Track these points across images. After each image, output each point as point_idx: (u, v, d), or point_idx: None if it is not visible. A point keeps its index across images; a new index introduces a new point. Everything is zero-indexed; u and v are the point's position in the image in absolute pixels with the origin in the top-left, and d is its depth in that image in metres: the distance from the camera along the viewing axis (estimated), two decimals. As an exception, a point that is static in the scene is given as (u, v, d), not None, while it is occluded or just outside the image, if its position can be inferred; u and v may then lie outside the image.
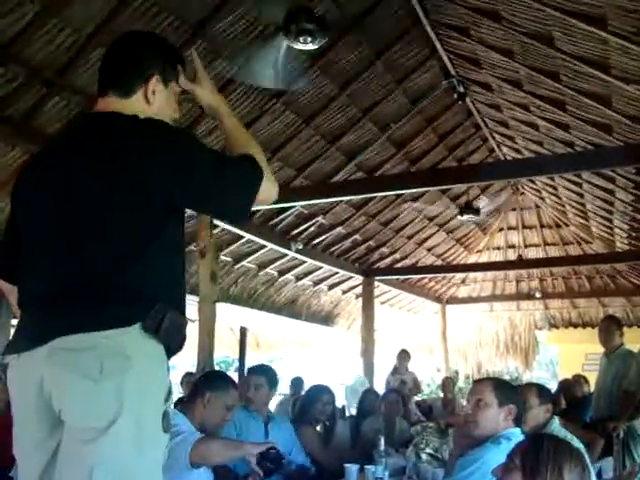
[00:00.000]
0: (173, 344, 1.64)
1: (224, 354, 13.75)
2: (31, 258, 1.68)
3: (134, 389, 1.51)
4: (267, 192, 1.75)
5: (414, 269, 10.91)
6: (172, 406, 1.63)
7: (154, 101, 1.77)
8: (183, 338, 1.68)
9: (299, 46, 4.04)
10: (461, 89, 7.19)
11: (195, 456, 2.70)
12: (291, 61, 4.43)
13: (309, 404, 4.33)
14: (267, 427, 3.80)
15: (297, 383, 8.00)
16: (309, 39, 3.96)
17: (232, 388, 3.20)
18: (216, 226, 7.03)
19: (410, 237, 10.44)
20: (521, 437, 2.52)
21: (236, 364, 12.66)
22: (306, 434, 4.14)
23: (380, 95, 7.02)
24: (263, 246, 8.39)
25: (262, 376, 3.83)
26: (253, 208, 1.76)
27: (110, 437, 1.46)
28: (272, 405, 7.66)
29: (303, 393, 5.80)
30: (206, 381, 3.27)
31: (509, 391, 2.79)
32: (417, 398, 7.88)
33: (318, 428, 4.62)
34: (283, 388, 9.52)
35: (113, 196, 1.58)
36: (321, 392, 4.46)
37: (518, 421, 2.75)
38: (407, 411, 6.19)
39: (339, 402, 6.69)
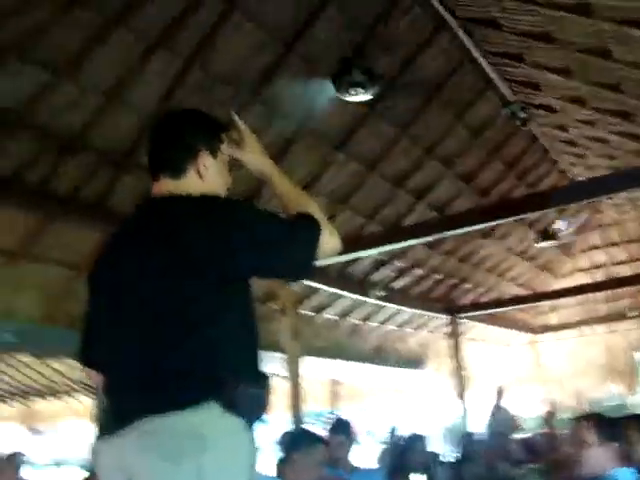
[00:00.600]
0: (252, 416, 1.63)
1: (317, 408, 13.62)
2: (106, 343, 1.72)
3: (214, 468, 1.50)
4: (329, 245, 1.74)
5: (499, 302, 10.60)
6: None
7: (207, 175, 1.79)
8: (262, 408, 1.67)
9: (350, 98, 4.08)
10: (523, 115, 7.05)
11: None
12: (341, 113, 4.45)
13: (403, 454, 4.20)
14: None
15: (394, 433, 7.80)
16: (361, 90, 3.99)
17: (318, 444, 3.15)
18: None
19: (491, 270, 10.21)
20: (631, 477, 2.35)
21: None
22: (404, 486, 4.02)
23: (441, 132, 6.99)
24: (342, 296, 8.36)
25: (340, 434, 3.75)
26: (321, 262, 1.75)
27: None
28: (372, 455, 7.52)
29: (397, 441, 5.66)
30: (290, 442, 3.23)
31: (610, 428, 2.62)
32: (518, 436, 7.55)
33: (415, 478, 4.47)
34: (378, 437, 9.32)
35: (171, 278, 1.60)
36: (415, 441, 4.34)
37: (628, 459, 2.57)
38: (508, 452, 5.93)
39: (437, 447, 6.51)
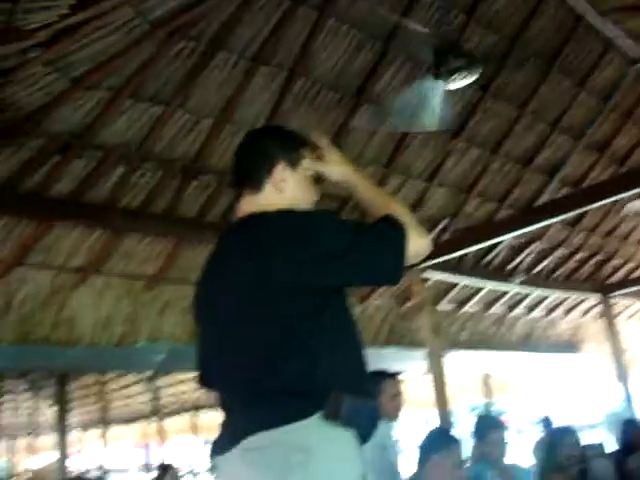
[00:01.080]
0: (359, 428, 1.60)
1: (470, 402, 13.35)
2: (214, 364, 1.76)
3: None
4: (418, 245, 1.67)
5: (655, 275, 9.82)
6: None
7: (285, 189, 1.79)
8: (370, 420, 1.65)
9: (454, 85, 3.96)
10: (655, 70, 6.53)
11: None
12: (445, 101, 4.34)
13: (552, 450, 3.97)
14: None
15: (547, 424, 7.44)
16: (464, 74, 3.86)
17: (455, 445, 3.06)
18: (427, 279, 6.98)
19: (640, 242, 9.49)
20: None
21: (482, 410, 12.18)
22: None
23: (565, 103, 6.61)
24: (483, 286, 8.12)
25: (493, 431, 3.60)
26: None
27: None
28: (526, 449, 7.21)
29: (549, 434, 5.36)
30: (428, 443, 3.16)
31: None
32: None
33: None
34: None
35: (263, 297, 1.60)
36: (564, 435, 4.07)
37: None
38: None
39: (594, 438, 6.13)
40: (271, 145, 1.83)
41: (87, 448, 16.06)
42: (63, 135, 4.12)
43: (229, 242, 1.78)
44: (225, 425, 1.71)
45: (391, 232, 1.66)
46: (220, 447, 1.68)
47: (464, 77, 3.90)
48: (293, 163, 1.81)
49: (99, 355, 5.84)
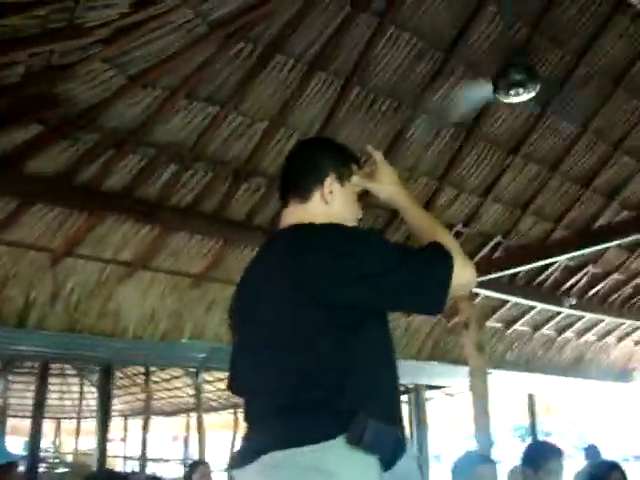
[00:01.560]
0: (382, 455, 1.52)
1: (514, 421, 13.06)
2: (242, 373, 1.73)
3: None
4: (461, 277, 1.61)
5: None
6: None
7: (332, 202, 1.75)
8: (395, 447, 1.56)
9: (512, 100, 3.85)
10: None
11: None
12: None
13: (597, 483, 3.80)
14: None
15: (592, 453, 7.18)
16: (521, 91, 3.75)
17: (490, 465, 2.97)
18: (477, 295, 6.85)
19: None
20: None
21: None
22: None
23: (630, 123, 6.38)
24: (534, 307, 7.92)
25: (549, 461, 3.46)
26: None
27: None
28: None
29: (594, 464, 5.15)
30: (462, 463, 3.06)
31: None
32: None
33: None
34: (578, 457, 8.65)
35: (294, 310, 1.57)
36: (611, 469, 3.90)
37: None
38: None
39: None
40: (323, 156, 1.79)
41: (128, 436, 16.36)
42: (118, 131, 4.18)
43: (272, 251, 1.74)
44: (247, 438, 1.68)
45: (438, 260, 1.60)
46: (239, 460, 1.64)
47: (523, 92, 3.79)
48: (342, 177, 1.78)
49: (143, 348, 5.92)
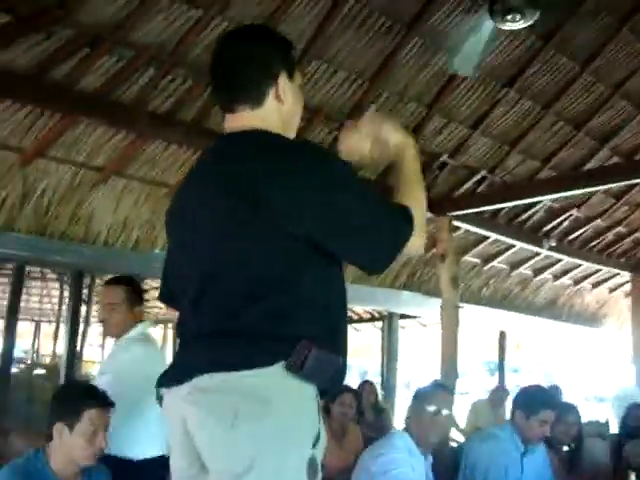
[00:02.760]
0: (322, 383, 1.48)
1: (485, 357, 13.33)
2: (178, 288, 1.65)
3: (274, 435, 1.38)
4: (411, 248, 1.52)
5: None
6: (320, 452, 1.46)
7: (286, 100, 1.60)
8: (335, 376, 1.51)
9: (509, 26, 3.66)
10: None
11: None
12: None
13: (553, 426, 3.80)
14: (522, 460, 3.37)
15: (554, 393, 7.32)
16: (518, 17, 3.56)
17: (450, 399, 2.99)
18: (457, 228, 6.80)
19: (686, 225, 9.09)
20: None
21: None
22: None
23: (631, 67, 6.19)
24: (513, 245, 7.91)
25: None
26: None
27: None
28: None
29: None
30: (421, 395, 3.06)
31: None
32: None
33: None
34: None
35: (245, 229, 1.47)
36: (566, 412, 3.93)
37: None
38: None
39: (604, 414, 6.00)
40: (270, 51, 1.61)
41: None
42: (94, 28, 3.97)
43: (218, 160, 1.59)
44: (179, 356, 1.61)
45: (402, 223, 1.51)
46: (168, 379, 1.58)
47: (520, 19, 3.59)
48: (291, 70, 1.63)
49: (115, 256, 5.85)
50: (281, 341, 1.43)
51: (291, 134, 1.63)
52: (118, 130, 4.63)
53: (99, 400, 2.34)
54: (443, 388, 3.21)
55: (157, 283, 8.27)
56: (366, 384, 6.26)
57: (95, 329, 14.85)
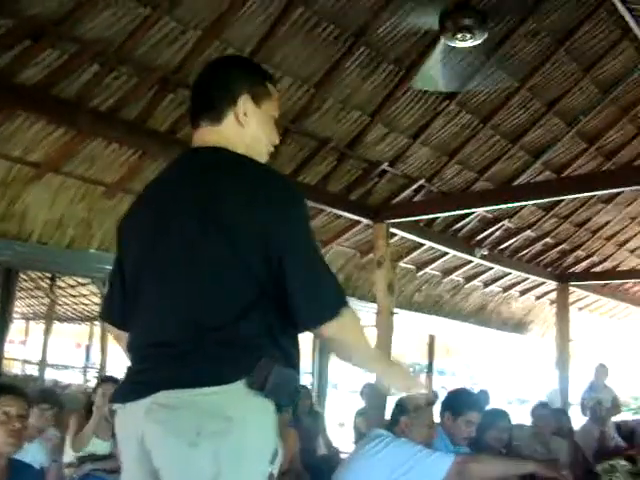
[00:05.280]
0: (282, 400, 1.50)
1: (414, 360, 13.60)
2: (135, 304, 1.61)
3: (234, 453, 1.39)
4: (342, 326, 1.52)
5: (615, 273, 9.90)
6: (276, 468, 1.48)
7: (247, 124, 1.65)
8: (293, 393, 1.53)
9: (458, 44, 3.75)
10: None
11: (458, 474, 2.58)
12: (455, 61, 4.13)
13: (483, 430, 3.94)
14: None
15: (483, 398, 7.54)
16: (468, 36, 3.65)
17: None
18: (394, 235, 6.90)
19: (609, 238, 9.52)
20: None
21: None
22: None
23: (566, 86, 6.46)
24: (446, 252, 8.09)
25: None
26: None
27: None
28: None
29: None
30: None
31: None
32: (617, 419, 7.05)
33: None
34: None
35: (209, 250, 1.48)
36: (498, 418, 4.06)
37: None
38: (603, 435, 5.57)
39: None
40: (236, 75, 1.69)
41: (29, 340, 16.03)
42: (37, 19, 3.83)
43: (181, 174, 1.63)
44: (135, 371, 1.58)
45: (339, 292, 1.55)
46: (124, 394, 1.55)
47: (470, 38, 3.69)
48: (258, 97, 1.68)
49: (48, 254, 5.68)
50: (242, 358, 1.44)
51: (259, 159, 1.65)
52: (58, 126, 4.48)
53: (10, 389, 2.51)
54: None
55: (89, 279, 8.04)
56: (301, 391, 6.27)
57: (17, 325, 14.38)
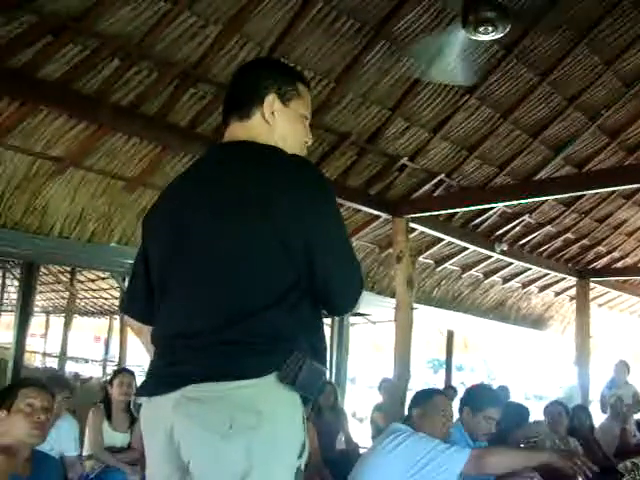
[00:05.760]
0: (310, 394, 1.51)
1: (433, 356, 13.56)
2: (162, 296, 1.61)
3: (265, 447, 1.40)
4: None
5: (636, 269, 9.79)
6: (304, 462, 1.49)
7: (275, 123, 1.67)
8: (321, 387, 1.57)
9: (480, 37, 3.72)
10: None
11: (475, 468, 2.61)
12: (473, 54, 4.10)
13: (503, 426, 3.92)
14: None
15: (503, 394, 7.51)
16: (490, 29, 3.62)
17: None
18: (413, 229, 6.88)
19: (630, 234, 9.41)
20: None
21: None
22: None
23: (587, 80, 6.38)
24: (466, 248, 8.05)
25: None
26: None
27: None
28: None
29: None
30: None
31: None
32: (638, 416, 6.97)
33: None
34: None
35: (242, 238, 1.49)
36: (519, 414, 4.04)
37: None
38: (624, 432, 5.51)
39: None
40: (265, 75, 1.72)
41: (49, 333, 16.19)
42: (58, 15, 3.85)
43: (212, 167, 1.65)
44: (162, 364, 1.57)
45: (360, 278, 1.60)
46: (151, 388, 1.56)
47: (492, 31, 3.65)
48: (286, 97, 1.70)
49: (68, 248, 5.71)
50: (274, 352, 1.45)
51: None
52: (79, 121, 4.51)
53: (34, 382, 2.53)
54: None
55: (108, 272, 8.07)
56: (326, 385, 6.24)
57: (37, 319, 14.54)
